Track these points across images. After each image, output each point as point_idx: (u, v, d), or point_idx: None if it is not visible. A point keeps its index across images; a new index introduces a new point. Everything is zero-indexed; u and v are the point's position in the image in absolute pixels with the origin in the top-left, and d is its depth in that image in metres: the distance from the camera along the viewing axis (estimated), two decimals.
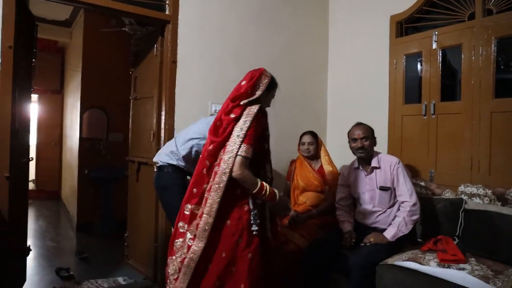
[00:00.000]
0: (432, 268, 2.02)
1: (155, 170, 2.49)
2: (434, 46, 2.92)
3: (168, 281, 1.91)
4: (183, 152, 2.36)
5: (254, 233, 1.84)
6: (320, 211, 2.76)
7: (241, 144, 1.78)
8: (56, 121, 6.69)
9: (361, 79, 3.47)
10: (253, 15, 3.31)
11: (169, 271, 1.89)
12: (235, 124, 1.83)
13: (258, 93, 1.95)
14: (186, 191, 1.95)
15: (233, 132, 1.81)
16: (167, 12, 2.89)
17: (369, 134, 2.47)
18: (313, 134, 2.95)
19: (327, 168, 2.88)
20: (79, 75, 4.80)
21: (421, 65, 3.06)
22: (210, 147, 1.87)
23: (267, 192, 1.86)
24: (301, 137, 3.00)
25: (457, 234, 2.40)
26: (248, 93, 1.91)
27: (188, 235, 1.84)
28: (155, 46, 2.97)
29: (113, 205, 4.60)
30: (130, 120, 3.42)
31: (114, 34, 4.37)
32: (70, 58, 5.89)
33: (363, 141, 2.45)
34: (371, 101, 3.35)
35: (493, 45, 2.58)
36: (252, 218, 1.84)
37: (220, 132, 1.87)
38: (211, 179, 1.83)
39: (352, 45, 3.57)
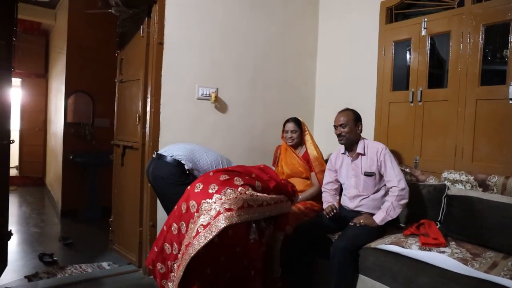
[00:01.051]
0: (413, 251, 2.05)
1: (154, 157, 2.43)
2: (423, 33, 2.92)
3: (171, 271, 1.91)
4: (205, 166, 2.37)
5: (251, 241, 1.93)
6: (305, 197, 2.77)
7: None
8: (40, 105, 6.56)
9: (350, 65, 3.46)
10: None
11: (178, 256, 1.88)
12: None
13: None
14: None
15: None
16: None
17: (348, 121, 2.46)
18: (296, 121, 2.91)
19: (312, 153, 2.87)
20: (64, 58, 4.69)
21: (409, 52, 3.06)
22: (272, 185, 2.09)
23: None
24: (284, 124, 2.97)
25: (439, 219, 2.44)
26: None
27: (201, 220, 1.78)
28: (142, 27, 2.90)
29: (98, 190, 4.55)
30: (115, 103, 3.35)
31: (100, 16, 4.24)
32: (55, 41, 5.75)
33: (340, 128, 2.46)
34: (359, 88, 3.35)
35: (481, 33, 2.59)
36: (251, 227, 1.93)
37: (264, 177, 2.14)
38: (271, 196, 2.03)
39: (342, 31, 3.55)
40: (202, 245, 1.69)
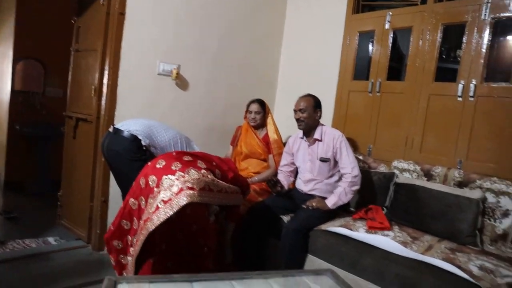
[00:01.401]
0: (360, 234, 2.16)
1: (110, 131, 2.33)
2: (387, 26, 3.00)
3: (131, 246, 1.88)
4: (163, 143, 2.31)
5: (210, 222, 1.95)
6: (262, 178, 2.81)
7: None
8: None
9: (314, 52, 3.50)
10: None
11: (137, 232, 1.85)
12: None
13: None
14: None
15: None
16: None
17: (307, 106, 2.49)
18: (260, 103, 2.93)
19: (272, 136, 2.90)
20: (12, 19, 4.31)
21: (372, 43, 3.14)
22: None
23: None
24: (248, 105, 2.98)
25: (386, 204, 2.58)
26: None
27: (161, 195, 1.75)
28: None
29: (47, 163, 4.33)
30: (69, 73, 3.18)
31: None
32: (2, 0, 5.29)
33: (299, 113, 2.49)
34: (322, 75, 3.41)
35: (439, 31, 2.71)
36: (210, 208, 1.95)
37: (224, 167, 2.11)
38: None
39: (308, 17, 3.57)
40: (161, 220, 1.67)
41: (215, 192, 1.89)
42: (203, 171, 1.87)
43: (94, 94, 2.77)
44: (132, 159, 2.20)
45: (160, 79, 2.93)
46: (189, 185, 1.75)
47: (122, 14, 2.67)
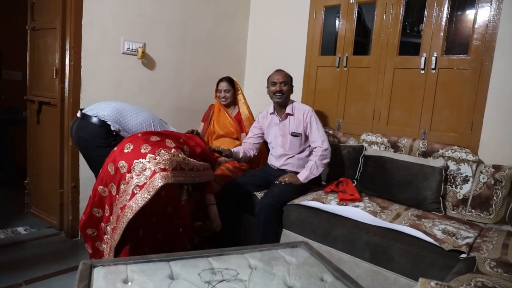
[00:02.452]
0: (332, 206, 2.24)
1: (78, 116, 2.23)
2: (352, 0, 3.01)
3: (105, 234, 1.86)
4: (134, 128, 2.22)
5: (182, 202, 1.93)
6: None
7: None
8: None
9: (282, 27, 3.48)
10: None
11: (110, 219, 1.84)
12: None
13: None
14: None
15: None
16: None
17: (288, 80, 2.54)
18: (229, 81, 2.90)
19: (244, 113, 2.91)
20: None
21: (338, 18, 3.16)
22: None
23: None
24: (217, 83, 2.94)
25: (356, 177, 2.67)
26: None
27: (135, 181, 1.73)
28: None
29: (10, 150, 4.14)
30: (27, 53, 3.00)
31: None
32: None
33: (281, 85, 2.51)
34: (289, 50, 3.41)
35: (402, 5, 2.75)
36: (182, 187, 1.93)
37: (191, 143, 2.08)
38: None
39: None
40: (140, 206, 1.66)
41: (186, 171, 1.89)
42: (173, 150, 1.86)
43: (56, 76, 2.65)
44: (101, 145, 2.13)
45: (126, 58, 2.83)
46: (162, 166, 1.74)
47: None
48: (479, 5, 2.43)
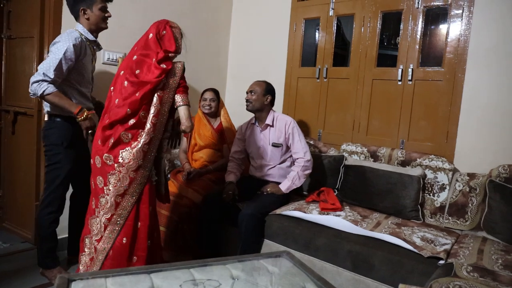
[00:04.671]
0: (313, 215, 2.25)
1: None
2: (331, 13, 3.09)
3: (85, 244, 1.88)
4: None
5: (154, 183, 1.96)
6: (216, 167, 2.81)
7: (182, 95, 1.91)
8: None
9: (262, 39, 3.52)
10: None
11: (89, 232, 1.86)
12: (167, 77, 1.89)
13: (180, 47, 2.05)
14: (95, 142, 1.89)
15: (170, 85, 1.89)
16: None
17: (258, 90, 2.55)
18: (215, 92, 2.92)
19: (226, 126, 2.91)
20: None
21: (318, 30, 3.23)
22: (137, 94, 1.79)
23: None
24: (203, 93, 2.95)
25: (337, 186, 2.70)
26: (174, 47, 1.97)
27: (114, 192, 1.80)
28: None
29: None
30: (3, 62, 2.93)
31: None
32: None
33: (249, 95, 2.55)
34: (270, 62, 3.45)
35: (379, 19, 2.84)
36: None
37: (155, 75, 1.83)
38: (146, 130, 1.82)
39: (256, 4, 3.58)
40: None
41: (156, 140, 1.88)
42: (132, 144, 1.82)
43: None
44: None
45: (106, 68, 2.80)
46: (133, 169, 1.79)
47: None
48: (451, 20, 2.53)
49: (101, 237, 1.82)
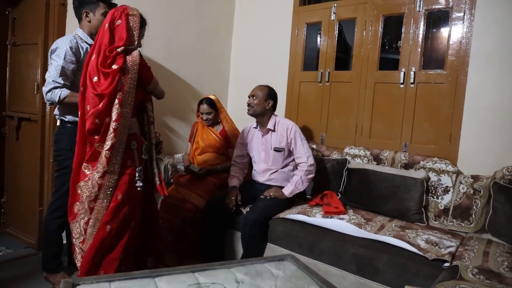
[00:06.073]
0: (317, 219, 2.24)
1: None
2: (333, 17, 3.11)
3: (74, 246, 1.87)
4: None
5: (138, 189, 1.89)
6: (224, 167, 2.80)
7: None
8: None
9: (264, 43, 3.54)
10: None
11: (73, 235, 1.86)
12: (121, 75, 1.76)
13: (136, 38, 1.87)
14: (76, 151, 1.87)
15: (125, 85, 1.77)
16: None
17: (260, 94, 2.55)
18: (209, 103, 2.86)
19: (229, 130, 2.91)
20: None
21: (320, 35, 3.24)
22: (100, 105, 1.73)
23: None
24: (198, 105, 2.94)
25: (340, 189, 2.69)
26: (124, 40, 1.79)
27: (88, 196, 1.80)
28: None
29: None
30: (7, 69, 2.96)
31: None
32: None
33: (251, 99, 2.56)
34: (272, 66, 3.46)
35: (380, 22, 2.85)
36: (137, 174, 1.89)
37: (107, 85, 1.73)
38: (108, 136, 1.76)
39: (258, 8, 3.60)
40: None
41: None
42: (88, 180, 1.80)
43: (37, 92, 2.61)
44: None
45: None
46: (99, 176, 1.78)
47: (63, 5, 2.53)
48: (453, 23, 2.54)
49: (84, 239, 1.83)
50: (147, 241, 2.06)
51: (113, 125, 1.75)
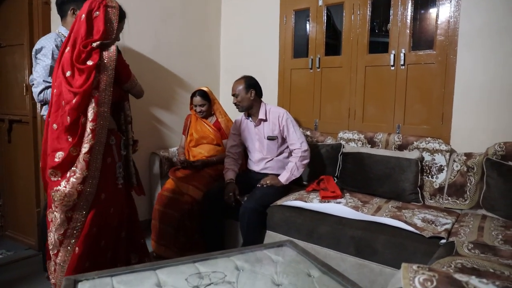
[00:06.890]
0: (315, 204, 2.26)
1: None
2: (320, 3, 3.09)
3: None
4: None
5: (119, 186, 1.85)
6: (219, 159, 2.80)
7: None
8: None
9: (254, 32, 3.52)
10: None
11: (48, 243, 1.76)
12: (97, 72, 1.64)
13: (113, 32, 1.74)
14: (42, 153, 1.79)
15: (101, 82, 1.65)
16: None
17: (239, 90, 2.52)
18: (202, 95, 2.86)
19: (223, 121, 2.91)
20: None
21: (308, 21, 3.22)
22: (73, 101, 1.60)
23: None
24: (191, 97, 2.93)
25: (336, 174, 2.71)
26: (101, 33, 1.67)
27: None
28: None
29: None
30: None
31: None
32: None
33: (235, 99, 2.55)
34: (263, 55, 3.45)
35: (368, 6, 2.85)
36: (117, 171, 1.84)
37: (81, 82, 1.61)
38: (86, 138, 1.63)
39: None
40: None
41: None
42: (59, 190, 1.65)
43: (27, 93, 2.59)
44: None
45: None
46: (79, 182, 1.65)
47: (47, 3, 2.50)
48: (440, 3, 2.54)
49: (57, 251, 1.72)
50: (129, 238, 1.99)
51: (90, 125, 1.62)
